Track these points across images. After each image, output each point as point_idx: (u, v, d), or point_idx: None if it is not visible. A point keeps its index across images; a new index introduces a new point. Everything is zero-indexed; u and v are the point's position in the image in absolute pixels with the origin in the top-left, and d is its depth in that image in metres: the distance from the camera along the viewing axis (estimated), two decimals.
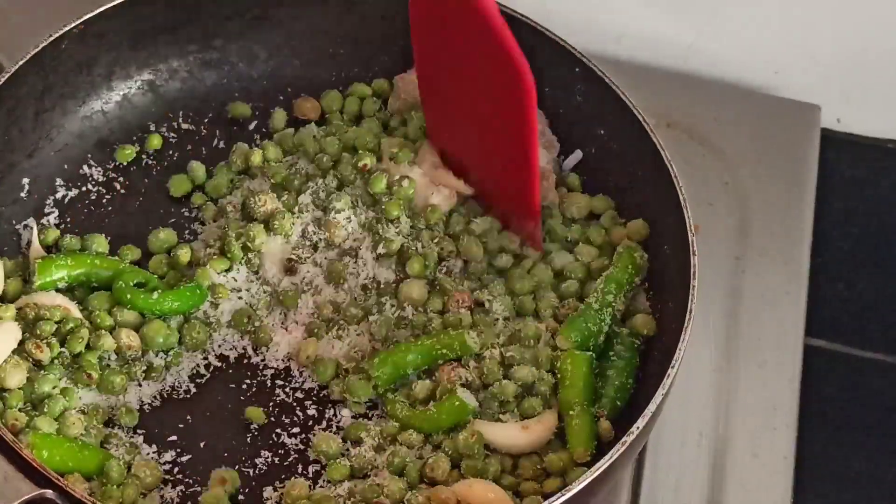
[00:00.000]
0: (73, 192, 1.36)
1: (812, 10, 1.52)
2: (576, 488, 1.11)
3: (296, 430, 1.25)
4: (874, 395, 1.49)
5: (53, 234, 1.31)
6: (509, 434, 1.20)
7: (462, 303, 1.27)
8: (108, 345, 1.23)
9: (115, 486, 1.16)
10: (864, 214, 1.57)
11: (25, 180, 1.34)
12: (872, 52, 1.53)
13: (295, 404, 1.26)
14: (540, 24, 1.35)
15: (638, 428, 1.14)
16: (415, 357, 1.23)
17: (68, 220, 1.34)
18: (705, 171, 1.49)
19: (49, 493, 1.08)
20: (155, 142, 1.39)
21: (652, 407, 1.14)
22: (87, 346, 1.23)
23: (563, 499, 1.10)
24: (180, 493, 1.20)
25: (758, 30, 1.54)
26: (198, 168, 1.37)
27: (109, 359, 1.24)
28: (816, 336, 1.48)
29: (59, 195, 1.35)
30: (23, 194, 1.33)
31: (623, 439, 1.13)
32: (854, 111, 1.58)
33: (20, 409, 1.18)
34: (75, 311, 1.24)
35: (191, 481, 1.21)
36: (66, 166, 1.36)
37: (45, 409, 1.19)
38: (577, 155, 1.37)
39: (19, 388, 1.19)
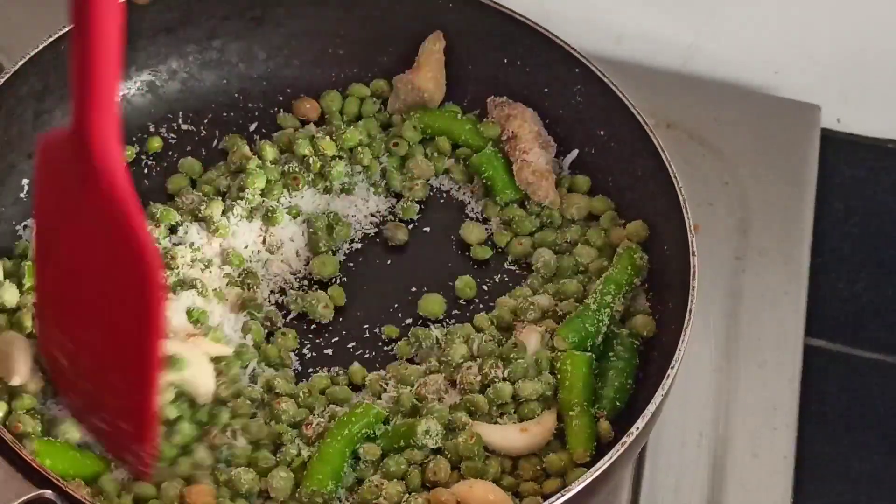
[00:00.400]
0: None
1: (811, 11, 1.51)
2: (576, 489, 1.11)
3: None
4: (874, 395, 1.49)
5: None
6: (508, 436, 1.20)
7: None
8: None
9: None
10: (864, 214, 1.57)
11: (25, 181, 1.33)
12: (872, 52, 1.53)
13: None
14: (539, 24, 1.35)
15: (638, 428, 1.14)
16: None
17: None
18: (705, 171, 1.49)
19: (48, 493, 1.08)
20: (155, 144, 1.39)
21: (651, 407, 1.14)
22: None
23: (563, 499, 1.10)
24: None
25: (757, 30, 1.54)
26: (192, 163, 1.37)
27: None
28: (816, 336, 1.48)
29: None
30: (22, 195, 1.33)
31: (623, 440, 1.13)
32: (854, 111, 1.58)
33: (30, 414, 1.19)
34: None
35: None
36: None
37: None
38: (573, 153, 1.37)
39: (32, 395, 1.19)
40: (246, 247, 1.32)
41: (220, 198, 1.33)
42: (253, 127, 1.41)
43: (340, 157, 1.36)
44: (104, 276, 1.03)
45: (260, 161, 1.35)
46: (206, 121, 1.41)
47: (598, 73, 1.33)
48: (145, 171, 1.38)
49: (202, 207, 1.31)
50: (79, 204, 1.02)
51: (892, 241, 1.56)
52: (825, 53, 1.55)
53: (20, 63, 1.29)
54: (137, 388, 1.05)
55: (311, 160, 1.35)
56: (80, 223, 1.03)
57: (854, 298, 1.54)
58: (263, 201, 1.32)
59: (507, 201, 1.35)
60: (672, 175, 1.27)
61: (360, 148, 1.36)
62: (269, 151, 1.36)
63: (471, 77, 1.41)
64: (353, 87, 1.42)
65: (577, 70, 1.34)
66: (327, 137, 1.36)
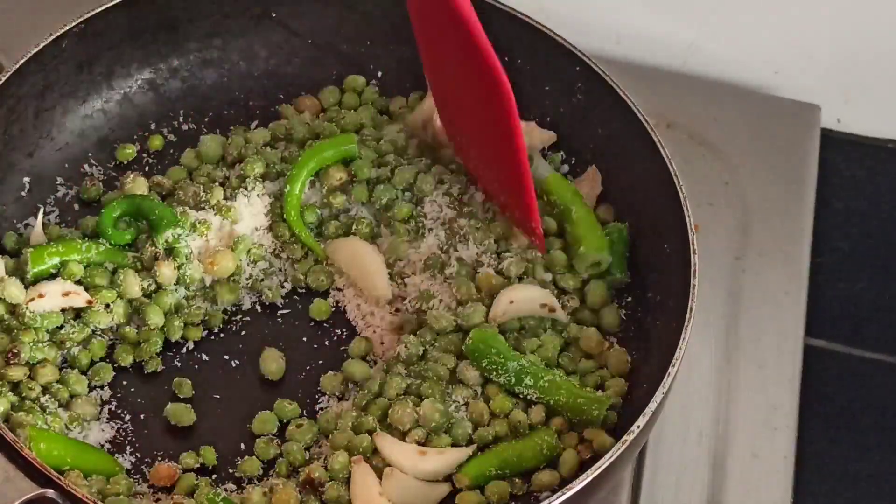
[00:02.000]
0: (74, 191, 1.36)
1: (811, 11, 1.52)
2: (576, 487, 1.11)
3: None
4: (874, 395, 1.49)
5: (56, 231, 1.31)
6: (406, 455, 1.19)
7: None
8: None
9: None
10: (864, 214, 1.57)
11: (26, 179, 1.34)
12: (872, 52, 1.53)
13: None
14: (540, 23, 1.35)
15: (638, 427, 1.14)
16: None
17: (69, 218, 1.34)
18: (705, 171, 1.49)
19: (50, 492, 1.08)
20: (156, 143, 1.39)
21: (653, 406, 1.14)
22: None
23: (563, 498, 1.10)
24: None
25: (757, 30, 1.54)
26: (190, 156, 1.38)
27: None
28: (816, 336, 1.48)
29: (59, 194, 1.35)
30: (23, 193, 1.33)
31: (623, 438, 1.13)
32: (854, 111, 1.58)
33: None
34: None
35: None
36: (66, 165, 1.36)
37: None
38: (552, 135, 1.38)
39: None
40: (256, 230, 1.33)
41: (219, 183, 1.34)
42: (254, 125, 1.41)
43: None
44: (472, 91, 1.23)
45: (255, 147, 1.36)
46: (206, 119, 1.41)
47: (599, 72, 1.33)
48: (146, 169, 1.38)
49: (205, 195, 1.31)
50: (444, 31, 1.22)
51: (892, 241, 1.56)
52: (825, 53, 1.55)
53: (21, 62, 1.29)
54: (513, 177, 1.25)
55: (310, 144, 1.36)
56: (448, 45, 1.23)
57: (854, 298, 1.54)
58: (264, 186, 1.33)
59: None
60: (672, 175, 1.26)
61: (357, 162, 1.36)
62: (260, 135, 1.37)
63: None
64: (349, 80, 1.42)
65: (577, 68, 1.34)
66: (326, 123, 1.38)
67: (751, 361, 1.39)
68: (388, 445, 1.19)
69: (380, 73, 1.43)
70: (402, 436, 1.20)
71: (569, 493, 1.11)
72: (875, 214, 1.57)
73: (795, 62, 1.56)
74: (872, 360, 1.50)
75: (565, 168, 1.38)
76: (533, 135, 1.37)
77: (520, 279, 1.28)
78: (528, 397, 1.21)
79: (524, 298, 1.26)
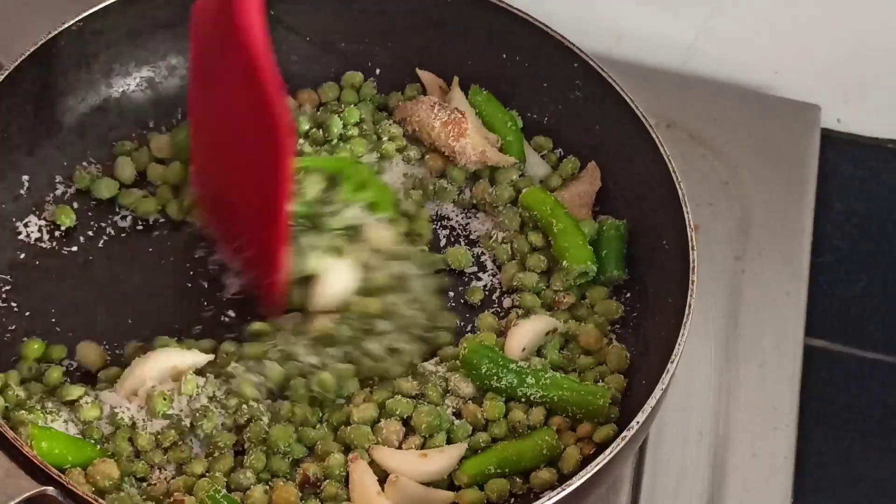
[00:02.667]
0: (73, 190, 1.35)
1: (811, 11, 1.52)
2: (576, 483, 1.11)
3: None
4: (874, 395, 1.49)
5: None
6: (408, 461, 1.18)
7: None
8: None
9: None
10: (864, 214, 1.57)
11: (25, 178, 1.33)
12: (872, 52, 1.53)
13: None
14: (539, 20, 1.35)
15: (638, 423, 1.13)
16: None
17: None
18: (705, 171, 1.49)
19: (50, 490, 1.08)
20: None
21: (652, 401, 1.14)
22: None
23: (563, 493, 1.10)
24: None
25: (757, 30, 1.54)
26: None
27: None
28: (816, 336, 1.48)
29: (59, 192, 1.35)
30: (23, 191, 1.33)
31: (623, 434, 1.13)
32: (854, 111, 1.58)
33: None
34: None
35: None
36: (65, 163, 1.36)
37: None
38: (510, 160, 1.36)
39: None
40: None
41: None
42: None
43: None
44: (244, 126, 1.16)
45: None
46: None
47: (600, 71, 1.33)
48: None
49: None
50: (223, 62, 1.14)
51: (892, 241, 1.56)
52: (825, 53, 1.55)
53: (19, 60, 1.28)
54: (269, 227, 1.19)
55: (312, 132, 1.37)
56: (225, 79, 1.16)
57: (854, 298, 1.54)
58: None
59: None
60: (672, 175, 1.26)
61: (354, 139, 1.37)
62: None
63: (468, 73, 1.41)
64: (347, 76, 1.42)
65: (576, 67, 1.34)
66: (329, 114, 1.38)
67: (751, 361, 1.39)
68: (388, 456, 1.19)
69: (378, 70, 1.43)
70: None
71: (569, 489, 1.10)
72: (875, 214, 1.57)
73: (795, 62, 1.56)
74: (872, 360, 1.50)
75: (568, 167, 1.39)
76: (491, 156, 1.36)
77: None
78: (531, 397, 1.21)
79: (533, 337, 1.25)
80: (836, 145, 1.57)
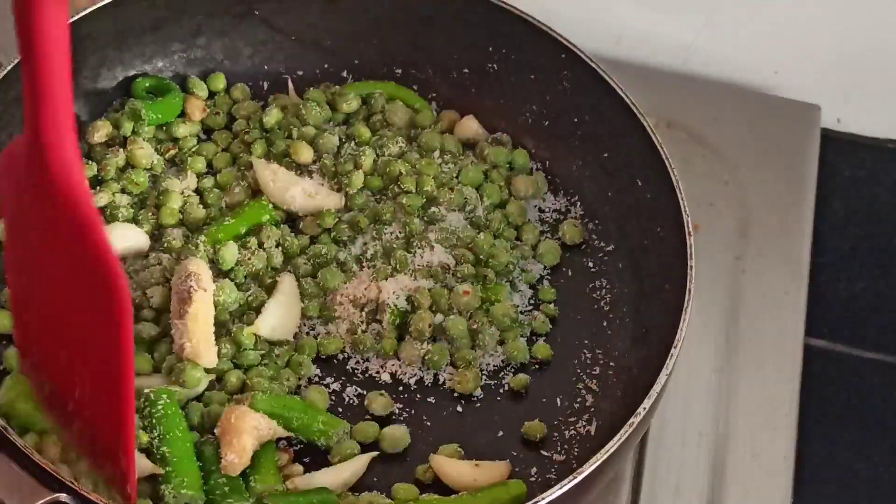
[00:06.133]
0: None
1: (811, 11, 1.52)
2: (586, 471, 1.11)
3: None
4: (874, 395, 1.49)
5: None
6: (462, 471, 1.20)
7: None
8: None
9: None
10: (864, 214, 1.57)
11: None
12: (872, 52, 1.53)
13: None
14: (539, 20, 1.35)
15: (644, 409, 1.13)
16: None
17: None
18: (705, 171, 1.49)
19: (63, 496, 1.07)
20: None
21: (657, 388, 1.14)
22: None
23: (572, 483, 1.10)
24: None
25: (757, 30, 1.54)
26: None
27: None
28: (816, 336, 1.48)
29: None
30: None
31: (630, 420, 1.13)
32: (854, 111, 1.58)
33: None
34: None
35: None
36: None
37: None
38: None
39: None
40: None
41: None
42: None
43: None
44: (72, 288, 1.00)
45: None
46: None
47: (599, 71, 1.33)
48: None
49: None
50: (41, 215, 0.99)
51: (892, 241, 1.56)
52: (825, 53, 1.55)
53: (8, 68, 1.27)
54: (111, 408, 1.02)
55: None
56: (45, 234, 1.00)
57: (854, 298, 1.54)
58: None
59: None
60: (672, 175, 1.26)
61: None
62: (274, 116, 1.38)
63: (455, 68, 1.41)
64: (311, 93, 1.42)
65: (575, 67, 1.34)
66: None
67: (751, 361, 1.39)
68: (446, 465, 1.20)
69: (364, 69, 1.43)
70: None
71: (579, 478, 1.10)
72: (875, 214, 1.57)
73: (795, 62, 1.56)
74: (872, 360, 1.50)
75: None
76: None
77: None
78: None
79: None
80: (836, 145, 1.57)
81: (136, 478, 1.07)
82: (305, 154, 1.34)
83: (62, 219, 0.96)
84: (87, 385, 1.03)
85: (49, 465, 1.08)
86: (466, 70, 1.41)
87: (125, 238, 1.29)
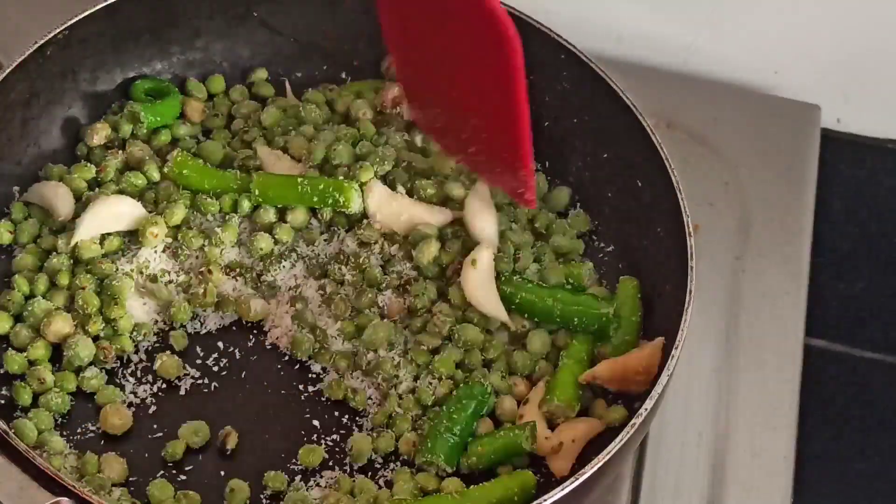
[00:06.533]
0: None
1: (811, 11, 1.52)
2: (588, 472, 1.11)
3: None
4: (874, 395, 1.49)
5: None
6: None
7: None
8: None
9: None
10: (864, 214, 1.57)
11: (15, 188, 1.33)
12: (872, 52, 1.53)
13: None
14: (538, 21, 1.35)
15: (646, 409, 1.14)
16: None
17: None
18: (705, 171, 1.49)
19: (64, 500, 1.08)
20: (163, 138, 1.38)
21: (658, 388, 1.15)
22: None
23: (574, 485, 1.11)
24: None
25: (757, 30, 1.54)
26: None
27: None
28: (816, 336, 1.48)
29: None
30: (12, 205, 1.32)
31: (633, 421, 1.14)
32: (854, 111, 1.58)
33: None
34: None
35: None
36: None
37: None
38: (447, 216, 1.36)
39: None
40: None
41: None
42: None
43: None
44: (461, 44, 1.15)
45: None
46: None
47: (599, 72, 1.33)
48: None
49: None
50: None
51: (892, 241, 1.56)
52: (825, 53, 1.55)
53: (6, 71, 1.28)
54: (505, 127, 1.17)
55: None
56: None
57: (854, 298, 1.54)
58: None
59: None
60: (672, 175, 1.26)
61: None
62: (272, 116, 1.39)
63: None
64: (309, 94, 1.42)
65: (575, 68, 1.34)
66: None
67: (751, 361, 1.39)
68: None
69: (362, 70, 1.43)
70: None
71: (582, 478, 1.11)
72: (875, 214, 1.57)
73: (795, 62, 1.56)
74: (872, 360, 1.50)
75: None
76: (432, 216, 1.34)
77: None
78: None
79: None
80: (836, 145, 1.57)
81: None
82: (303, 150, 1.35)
83: None
84: (482, 117, 1.20)
85: (50, 469, 1.09)
86: None
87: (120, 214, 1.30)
